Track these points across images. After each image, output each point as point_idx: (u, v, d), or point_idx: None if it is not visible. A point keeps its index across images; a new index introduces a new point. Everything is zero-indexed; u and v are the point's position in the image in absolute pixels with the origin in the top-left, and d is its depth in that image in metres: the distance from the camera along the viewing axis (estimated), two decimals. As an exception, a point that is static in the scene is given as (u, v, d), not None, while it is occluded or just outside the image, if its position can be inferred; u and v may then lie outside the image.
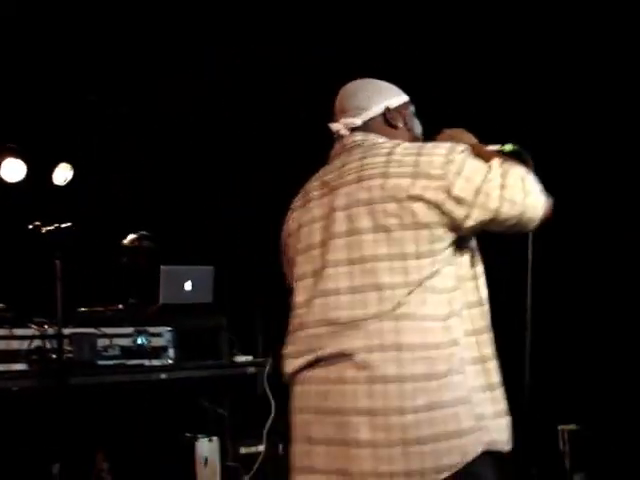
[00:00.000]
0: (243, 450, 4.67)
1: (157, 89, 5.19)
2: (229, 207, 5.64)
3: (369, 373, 1.87)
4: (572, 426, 4.86)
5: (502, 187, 1.93)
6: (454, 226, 1.93)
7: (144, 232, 4.83)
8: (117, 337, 4.32)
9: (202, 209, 5.60)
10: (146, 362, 4.34)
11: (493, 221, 1.95)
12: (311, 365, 1.99)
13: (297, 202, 2.19)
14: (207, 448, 4.52)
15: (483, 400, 1.94)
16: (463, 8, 4.55)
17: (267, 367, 4.62)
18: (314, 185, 2.13)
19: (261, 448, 4.65)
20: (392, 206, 1.93)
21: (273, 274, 5.44)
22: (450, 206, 1.91)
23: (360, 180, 1.99)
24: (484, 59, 4.74)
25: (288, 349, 2.08)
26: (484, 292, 2.02)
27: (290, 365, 2.07)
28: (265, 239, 5.55)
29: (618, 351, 4.62)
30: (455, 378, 1.88)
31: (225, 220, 5.57)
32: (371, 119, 2.14)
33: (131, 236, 4.83)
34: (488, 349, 1.99)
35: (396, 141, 2.06)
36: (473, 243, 2.05)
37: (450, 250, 1.96)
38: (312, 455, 1.96)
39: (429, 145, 2.03)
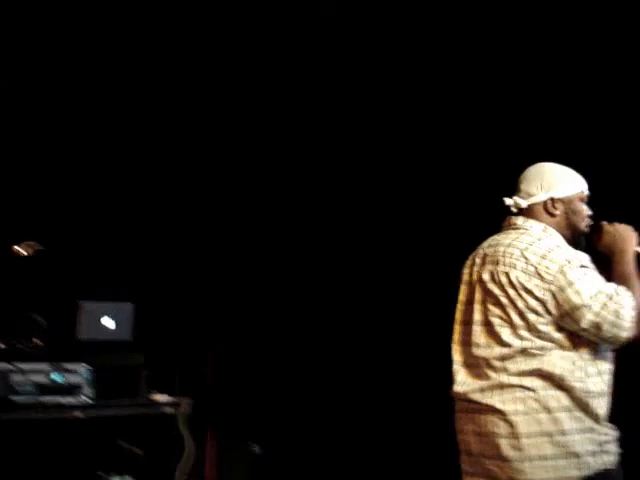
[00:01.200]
0: (156, 490, 4.63)
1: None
2: (148, 241, 5.59)
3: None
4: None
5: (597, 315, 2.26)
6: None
7: (39, 245, 4.74)
8: (32, 373, 4.26)
9: (120, 242, 5.54)
10: (61, 399, 4.29)
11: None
12: None
13: (470, 259, 2.56)
14: (119, 487, 4.47)
15: None
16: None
17: (184, 407, 4.60)
18: (479, 252, 2.52)
19: (175, 488, 4.61)
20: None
21: (193, 313, 5.48)
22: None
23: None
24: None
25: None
26: None
27: None
28: (186, 276, 5.60)
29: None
30: None
31: (144, 255, 5.53)
32: (535, 204, 2.49)
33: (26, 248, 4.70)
34: None
35: (542, 232, 2.43)
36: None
37: None
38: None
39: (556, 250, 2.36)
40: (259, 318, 5.86)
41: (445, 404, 2.58)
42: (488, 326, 2.35)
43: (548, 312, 2.27)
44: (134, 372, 4.67)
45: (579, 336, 2.28)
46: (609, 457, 2.27)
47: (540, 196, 2.48)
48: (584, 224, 2.50)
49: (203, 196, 5.56)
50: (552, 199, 2.46)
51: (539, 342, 2.27)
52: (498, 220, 2.61)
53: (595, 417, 2.26)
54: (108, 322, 4.71)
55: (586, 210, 2.52)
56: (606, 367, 2.34)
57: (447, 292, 2.92)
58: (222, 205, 5.64)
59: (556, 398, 2.24)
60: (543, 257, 2.31)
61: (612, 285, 2.29)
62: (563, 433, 2.22)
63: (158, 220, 5.54)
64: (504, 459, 2.25)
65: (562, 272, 2.27)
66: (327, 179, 5.70)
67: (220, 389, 5.13)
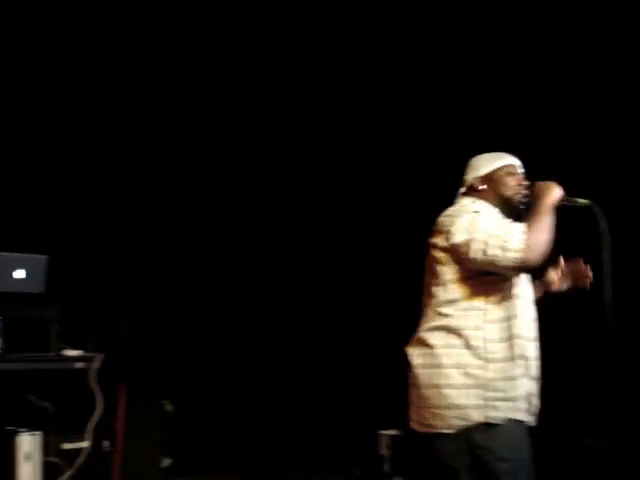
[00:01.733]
0: (66, 446, 4.57)
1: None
2: (70, 193, 5.50)
3: None
4: (392, 431, 5.07)
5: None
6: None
7: None
8: (-62, 324, 4.14)
9: (38, 194, 5.43)
10: (-32, 352, 4.18)
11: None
12: None
13: None
14: (29, 442, 4.39)
15: None
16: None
17: (96, 362, 4.55)
18: None
19: (85, 444, 4.56)
20: None
21: (112, 268, 5.42)
22: None
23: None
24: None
25: None
26: None
27: None
28: (106, 230, 5.52)
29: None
30: None
31: (59, 206, 5.42)
32: (468, 187, 2.82)
33: None
34: None
35: (471, 203, 2.72)
36: None
37: None
38: None
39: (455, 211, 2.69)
40: (175, 274, 5.82)
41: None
42: (424, 289, 2.72)
43: (449, 261, 2.62)
44: (46, 326, 4.58)
45: (483, 288, 2.60)
46: (495, 412, 2.51)
47: (469, 180, 2.83)
48: (512, 192, 2.77)
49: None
50: (476, 178, 2.81)
51: (448, 296, 2.61)
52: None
53: (490, 377, 2.52)
54: (20, 274, 4.59)
55: (515, 180, 2.79)
56: (516, 332, 2.59)
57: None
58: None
59: (451, 355, 2.55)
60: (449, 216, 2.66)
61: (504, 225, 2.60)
62: (450, 387, 2.53)
63: (72, 170, 5.45)
64: (416, 406, 2.63)
65: (459, 221, 2.61)
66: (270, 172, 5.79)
67: (134, 345, 5.08)
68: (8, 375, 4.36)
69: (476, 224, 2.58)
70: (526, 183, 2.78)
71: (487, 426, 2.49)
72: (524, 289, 2.70)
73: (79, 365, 4.56)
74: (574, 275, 2.90)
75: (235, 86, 5.52)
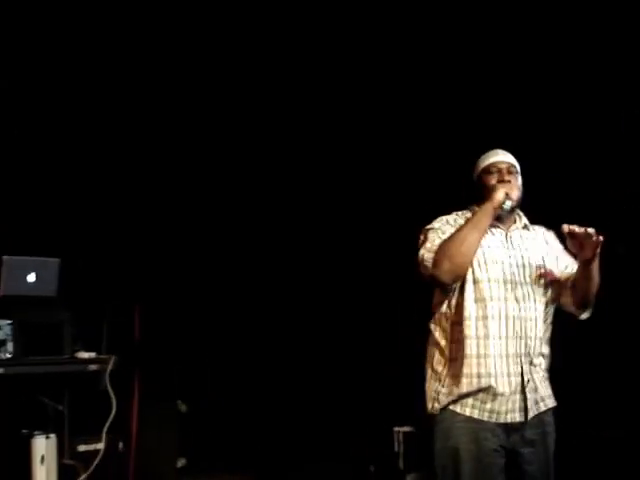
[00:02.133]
0: (82, 448, 4.59)
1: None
2: (79, 196, 5.51)
3: None
4: (406, 428, 5.07)
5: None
6: None
7: None
8: (-46, 328, 4.16)
9: (50, 197, 5.45)
10: (-17, 356, 4.20)
11: None
12: None
13: None
14: (44, 445, 4.41)
15: None
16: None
17: (110, 364, 4.56)
18: None
19: (100, 446, 4.58)
20: None
21: (123, 270, 5.42)
22: None
23: None
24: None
25: None
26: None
27: None
28: (116, 233, 5.53)
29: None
30: None
31: (72, 210, 5.44)
32: None
33: None
34: None
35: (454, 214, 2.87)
36: None
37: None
38: None
39: None
40: (187, 275, 5.83)
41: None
42: None
43: None
44: (59, 328, 4.59)
45: (445, 296, 2.77)
46: (438, 404, 2.74)
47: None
48: (490, 193, 2.78)
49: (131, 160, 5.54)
50: (472, 182, 2.89)
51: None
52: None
53: (445, 373, 2.74)
54: (32, 277, 4.61)
55: (494, 179, 2.84)
56: (468, 333, 2.72)
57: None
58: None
59: (428, 354, 2.83)
60: None
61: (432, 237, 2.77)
62: (426, 380, 2.81)
63: (86, 174, 5.46)
64: None
65: None
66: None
67: (148, 346, 5.09)
68: (22, 378, 4.38)
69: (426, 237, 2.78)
70: (507, 179, 2.81)
71: (430, 416, 2.77)
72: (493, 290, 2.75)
73: (93, 367, 4.58)
74: (581, 244, 2.71)
75: (234, 85, 5.50)
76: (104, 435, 4.59)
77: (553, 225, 2.90)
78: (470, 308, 2.71)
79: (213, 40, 5.11)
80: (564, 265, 2.86)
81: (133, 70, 5.25)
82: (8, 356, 4.32)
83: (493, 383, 2.66)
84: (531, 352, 2.72)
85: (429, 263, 2.71)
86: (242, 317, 6.06)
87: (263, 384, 6.04)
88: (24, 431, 4.44)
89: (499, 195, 2.75)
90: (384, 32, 4.98)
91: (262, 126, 5.80)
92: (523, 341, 2.70)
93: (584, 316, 2.85)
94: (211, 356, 6.05)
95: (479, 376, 2.67)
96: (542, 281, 2.80)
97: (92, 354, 4.66)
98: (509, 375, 2.68)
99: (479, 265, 2.74)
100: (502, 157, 2.89)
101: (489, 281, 2.73)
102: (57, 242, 5.04)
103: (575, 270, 2.81)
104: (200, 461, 5.55)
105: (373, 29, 4.99)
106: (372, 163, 5.68)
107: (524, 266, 2.79)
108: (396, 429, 5.09)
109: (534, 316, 2.74)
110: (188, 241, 5.87)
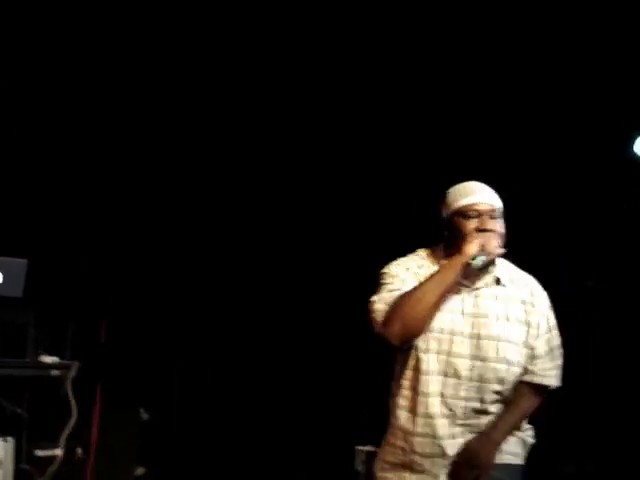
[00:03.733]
0: (39, 453, 4.52)
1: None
2: (49, 195, 5.45)
3: None
4: (369, 447, 5.05)
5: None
6: None
7: None
8: None
9: (18, 196, 5.39)
10: (-58, 356, 4.14)
11: None
12: None
13: None
14: (1, 448, 4.33)
15: None
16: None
17: (73, 370, 4.50)
18: None
19: (58, 452, 4.52)
20: None
21: (91, 273, 5.37)
22: None
23: None
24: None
25: None
26: None
27: None
28: (85, 234, 5.47)
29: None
30: None
31: (39, 210, 5.38)
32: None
33: None
34: None
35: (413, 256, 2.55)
36: None
37: None
38: None
39: None
40: (153, 280, 5.78)
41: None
42: None
43: None
44: (23, 331, 4.53)
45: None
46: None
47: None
48: (465, 242, 2.39)
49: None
50: (441, 218, 2.50)
51: None
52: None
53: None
54: (-1, 277, 4.55)
55: (472, 224, 2.40)
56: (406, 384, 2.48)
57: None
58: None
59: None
60: None
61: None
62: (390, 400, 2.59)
63: (52, 172, 5.41)
64: None
65: None
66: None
67: (111, 352, 5.05)
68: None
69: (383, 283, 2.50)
70: (489, 227, 2.38)
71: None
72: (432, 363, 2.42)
73: (55, 372, 4.52)
74: None
75: (223, 84, 5.45)
76: (63, 441, 4.53)
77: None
78: (406, 377, 2.47)
79: (210, 40, 5.06)
80: (529, 346, 2.45)
81: (112, 68, 5.18)
82: (-32, 356, 4.26)
83: (423, 442, 2.46)
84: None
85: (379, 317, 2.39)
86: (208, 325, 6.02)
87: (228, 396, 6.01)
88: (-19, 433, 4.37)
89: (472, 249, 2.35)
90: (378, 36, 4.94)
91: (229, 127, 5.71)
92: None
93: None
94: (176, 364, 6.00)
95: (405, 432, 2.49)
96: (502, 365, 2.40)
97: (55, 359, 4.59)
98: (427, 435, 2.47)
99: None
100: (483, 197, 2.43)
101: (426, 352, 2.40)
102: (25, 242, 4.98)
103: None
104: (159, 470, 5.50)
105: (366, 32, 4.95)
106: (361, 163, 5.62)
107: (479, 337, 2.39)
108: (358, 448, 5.07)
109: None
110: (156, 246, 5.82)
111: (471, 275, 2.42)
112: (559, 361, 2.52)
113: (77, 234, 5.40)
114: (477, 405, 2.40)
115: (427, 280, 2.37)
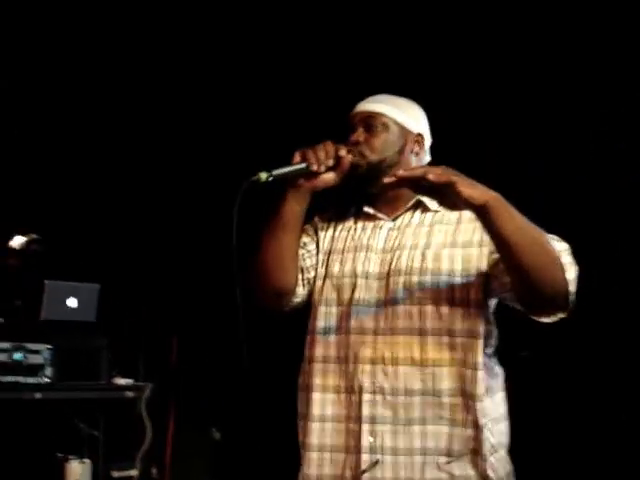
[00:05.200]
0: (116, 474, 4.60)
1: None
2: (120, 223, 5.55)
3: None
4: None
5: None
6: None
7: (34, 235, 4.70)
8: (-7, 351, 4.22)
9: (91, 223, 5.49)
10: (21, 379, 4.24)
11: None
12: None
13: None
14: (78, 469, 4.42)
15: None
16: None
17: (146, 392, 4.58)
18: None
19: (134, 472, 4.59)
20: None
21: (159, 296, 5.44)
22: None
23: None
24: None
25: None
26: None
27: None
28: (156, 259, 5.55)
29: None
30: None
31: (113, 236, 5.48)
32: None
33: (19, 238, 4.67)
34: None
35: None
36: None
37: None
38: None
39: None
40: (223, 302, 5.82)
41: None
42: None
43: None
44: (97, 354, 4.63)
45: None
46: None
47: None
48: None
49: (171, 187, 5.53)
50: None
51: None
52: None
53: None
54: (73, 303, 4.66)
55: (353, 137, 1.98)
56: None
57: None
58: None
59: None
60: None
61: None
62: None
63: (129, 203, 5.50)
64: None
65: None
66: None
67: (184, 374, 5.11)
68: (59, 403, 4.42)
69: None
70: (355, 138, 1.96)
71: None
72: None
73: (129, 394, 4.60)
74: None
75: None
76: (138, 461, 4.60)
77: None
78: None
79: (211, 39, 5.01)
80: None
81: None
82: (46, 380, 4.36)
83: None
84: None
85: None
86: (279, 344, 6.02)
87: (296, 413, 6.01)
88: (59, 455, 4.46)
89: (292, 162, 1.88)
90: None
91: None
92: None
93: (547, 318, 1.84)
94: (247, 383, 6.03)
95: None
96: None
97: (129, 381, 4.69)
98: None
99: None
100: (363, 104, 2.03)
101: (325, 304, 1.97)
102: (97, 268, 5.09)
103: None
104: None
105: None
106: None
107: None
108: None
109: None
110: (224, 267, 5.86)
111: (385, 204, 2.00)
112: None
113: (147, 258, 5.48)
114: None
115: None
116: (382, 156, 1.96)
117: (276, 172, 1.84)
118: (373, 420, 1.86)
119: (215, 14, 4.68)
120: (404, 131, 2.01)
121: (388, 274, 1.90)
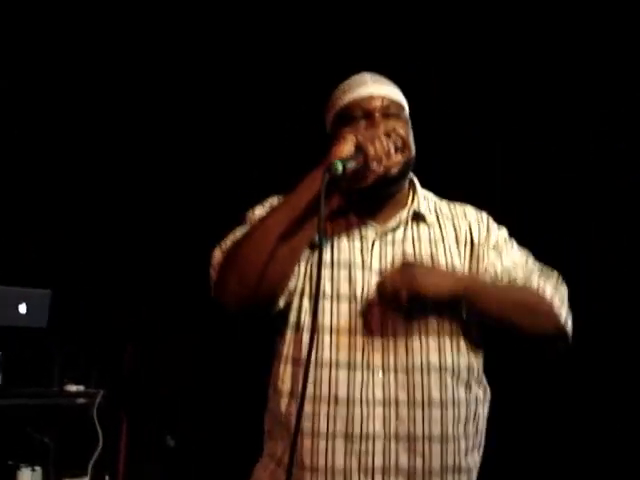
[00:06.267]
0: (66, 481, 4.56)
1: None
2: (73, 227, 5.49)
3: None
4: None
5: None
6: None
7: None
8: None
9: (41, 227, 5.42)
10: (-31, 386, 4.19)
11: None
12: None
13: None
14: (29, 477, 4.38)
15: None
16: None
17: (98, 398, 4.54)
18: None
19: (86, 480, 4.55)
20: None
21: (114, 302, 5.40)
22: None
23: None
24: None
25: None
26: None
27: None
28: (110, 264, 5.51)
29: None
30: None
31: (65, 242, 5.42)
32: None
33: None
34: None
35: None
36: None
37: None
38: None
39: None
40: (179, 308, 5.80)
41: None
42: None
43: None
44: (48, 361, 4.58)
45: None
46: None
47: None
48: (337, 139, 1.64)
49: (127, 187, 5.48)
50: (325, 136, 1.79)
51: None
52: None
53: None
54: (23, 308, 4.61)
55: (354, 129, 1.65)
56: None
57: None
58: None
59: None
60: None
61: None
62: None
63: (81, 207, 5.45)
64: None
65: None
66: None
67: (137, 380, 5.07)
68: (9, 410, 4.36)
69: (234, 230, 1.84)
70: (399, 131, 1.64)
71: None
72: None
73: (81, 401, 4.56)
74: None
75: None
76: (90, 469, 4.55)
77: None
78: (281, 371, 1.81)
79: (210, 40, 5.03)
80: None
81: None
82: (-5, 387, 4.30)
83: None
84: None
85: (214, 272, 1.69)
86: (235, 350, 6.01)
87: (255, 421, 6.00)
88: (10, 462, 4.41)
89: (343, 149, 1.51)
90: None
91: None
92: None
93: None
94: (201, 390, 6.01)
95: None
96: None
97: (81, 387, 4.63)
98: None
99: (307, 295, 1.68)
100: (373, 88, 1.67)
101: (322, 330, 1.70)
102: (49, 273, 5.03)
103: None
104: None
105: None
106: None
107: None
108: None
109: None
110: (180, 274, 5.84)
111: (379, 211, 1.72)
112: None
113: (100, 263, 5.43)
114: None
115: (275, 209, 1.62)
116: (412, 154, 1.69)
117: (349, 165, 1.49)
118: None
119: (215, 14, 4.73)
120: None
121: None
